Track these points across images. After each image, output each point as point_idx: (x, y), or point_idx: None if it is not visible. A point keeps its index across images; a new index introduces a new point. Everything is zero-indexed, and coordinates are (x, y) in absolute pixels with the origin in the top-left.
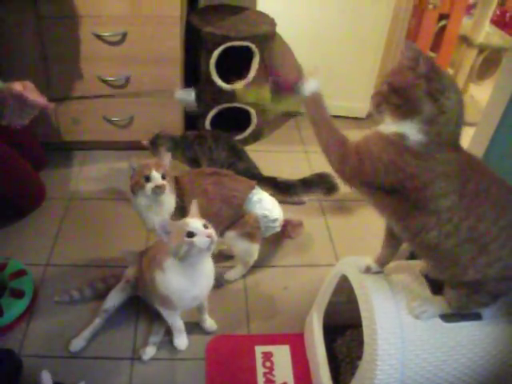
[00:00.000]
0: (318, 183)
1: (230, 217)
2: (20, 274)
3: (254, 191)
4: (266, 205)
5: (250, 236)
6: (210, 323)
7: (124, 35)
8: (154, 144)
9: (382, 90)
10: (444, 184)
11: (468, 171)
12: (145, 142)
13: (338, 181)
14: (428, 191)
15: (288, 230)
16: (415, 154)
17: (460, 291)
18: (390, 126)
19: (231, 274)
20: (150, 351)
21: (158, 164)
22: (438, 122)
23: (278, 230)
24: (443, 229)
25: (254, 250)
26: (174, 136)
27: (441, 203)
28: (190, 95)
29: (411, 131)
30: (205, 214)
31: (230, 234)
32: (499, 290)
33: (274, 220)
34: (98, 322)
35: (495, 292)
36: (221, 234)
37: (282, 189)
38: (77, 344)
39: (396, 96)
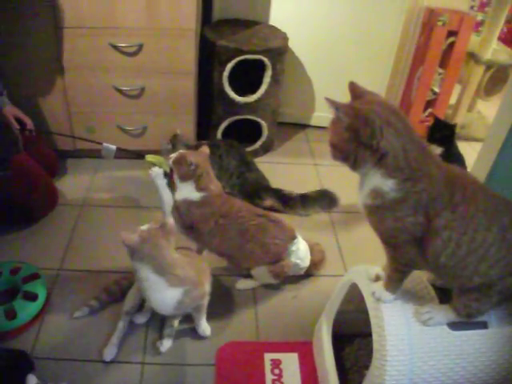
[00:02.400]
0: (317, 200)
1: (263, 260)
2: (33, 277)
3: (295, 241)
4: (300, 254)
5: (276, 276)
6: (203, 328)
7: (140, 46)
8: (173, 144)
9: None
10: (433, 206)
11: (450, 184)
12: (164, 142)
13: (337, 196)
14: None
15: (311, 269)
16: (400, 201)
17: (469, 296)
18: (365, 186)
19: (243, 284)
20: (166, 343)
21: (181, 155)
22: (386, 163)
23: (302, 273)
24: (447, 250)
25: (273, 282)
26: (188, 144)
27: (436, 222)
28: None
29: (380, 180)
30: (234, 249)
31: (260, 270)
32: (510, 287)
33: (303, 268)
34: (121, 325)
35: (505, 290)
36: (247, 268)
37: (284, 201)
38: (109, 352)
39: (337, 152)
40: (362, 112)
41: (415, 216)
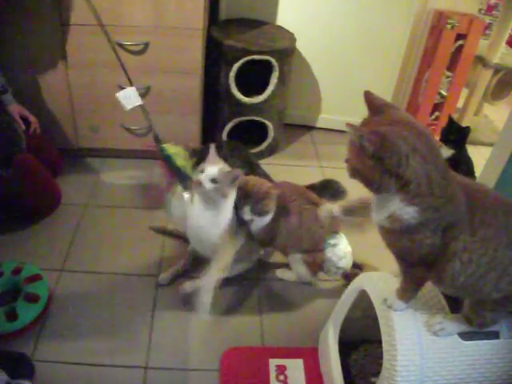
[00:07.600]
0: (323, 189)
1: (307, 246)
2: (35, 278)
3: (337, 235)
4: (337, 251)
5: (310, 267)
6: None
7: (146, 45)
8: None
9: (347, 164)
10: (451, 230)
11: (470, 207)
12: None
13: (345, 187)
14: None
15: (350, 277)
16: (420, 225)
17: (484, 307)
18: (383, 209)
19: (282, 273)
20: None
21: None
22: (409, 190)
23: (339, 276)
24: (467, 271)
25: (308, 278)
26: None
27: (454, 246)
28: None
29: (399, 206)
30: (289, 232)
31: (296, 257)
32: None
33: (338, 268)
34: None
35: None
36: (287, 253)
37: None
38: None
39: (358, 175)
40: (387, 139)
41: (433, 238)
